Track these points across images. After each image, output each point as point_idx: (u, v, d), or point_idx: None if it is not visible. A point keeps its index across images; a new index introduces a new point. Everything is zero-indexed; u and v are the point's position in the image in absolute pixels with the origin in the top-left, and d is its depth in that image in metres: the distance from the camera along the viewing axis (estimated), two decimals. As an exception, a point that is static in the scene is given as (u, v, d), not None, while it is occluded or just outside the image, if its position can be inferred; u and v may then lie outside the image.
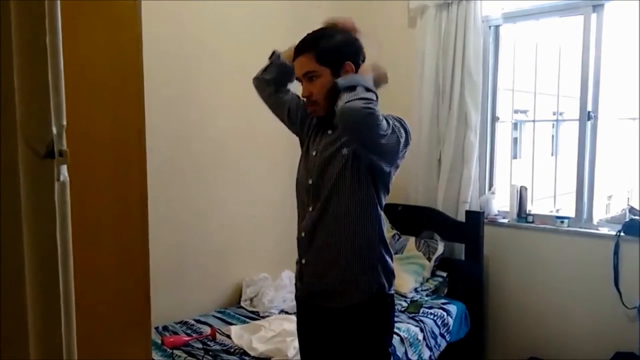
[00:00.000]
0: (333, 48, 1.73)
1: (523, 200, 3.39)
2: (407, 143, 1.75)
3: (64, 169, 0.60)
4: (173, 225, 2.84)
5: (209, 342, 2.55)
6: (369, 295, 1.74)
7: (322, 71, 1.72)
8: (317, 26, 1.83)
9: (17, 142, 0.54)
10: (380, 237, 1.78)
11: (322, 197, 1.75)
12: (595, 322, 3.08)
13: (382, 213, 1.81)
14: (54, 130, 0.57)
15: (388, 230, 3.53)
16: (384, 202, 1.82)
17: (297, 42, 1.80)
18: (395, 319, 2.69)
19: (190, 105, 2.94)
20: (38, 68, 0.57)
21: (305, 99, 1.79)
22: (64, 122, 0.60)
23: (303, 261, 1.84)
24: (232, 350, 2.47)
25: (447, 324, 2.99)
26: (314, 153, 1.81)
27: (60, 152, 0.58)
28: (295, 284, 1.93)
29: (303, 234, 1.83)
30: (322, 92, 1.72)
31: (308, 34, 1.78)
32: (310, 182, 1.79)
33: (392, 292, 1.83)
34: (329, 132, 1.80)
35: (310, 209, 1.79)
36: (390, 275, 1.81)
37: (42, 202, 0.57)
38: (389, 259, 1.81)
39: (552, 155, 6.63)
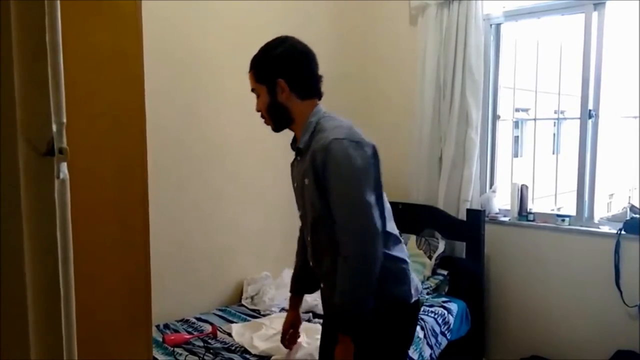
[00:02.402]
0: (266, 66, 1.72)
1: (524, 198, 3.39)
2: (370, 169, 1.66)
3: (64, 166, 0.60)
4: (174, 224, 2.85)
5: (210, 340, 2.55)
6: (388, 307, 1.72)
7: (260, 89, 1.73)
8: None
9: (17, 139, 0.54)
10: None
11: (311, 226, 1.75)
12: (596, 321, 3.07)
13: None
14: (54, 127, 0.58)
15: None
16: None
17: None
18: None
19: (192, 105, 2.94)
20: (38, 66, 0.57)
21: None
22: (64, 120, 0.60)
23: (322, 285, 1.87)
24: (233, 348, 2.48)
25: (448, 322, 2.99)
26: (295, 185, 1.83)
27: (61, 149, 0.58)
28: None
29: (312, 263, 1.85)
30: (264, 108, 1.74)
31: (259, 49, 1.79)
32: (300, 212, 1.82)
33: (413, 300, 1.77)
34: (298, 158, 1.79)
35: (309, 238, 1.80)
36: (401, 284, 1.74)
37: (42, 200, 0.57)
38: (398, 267, 1.75)
39: (553, 153, 6.62)
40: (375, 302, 1.66)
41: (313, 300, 2.81)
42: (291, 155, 1.86)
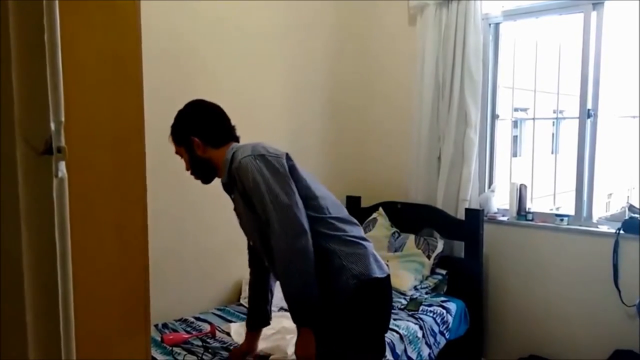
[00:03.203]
0: (178, 130, 1.96)
1: (523, 198, 3.39)
2: (280, 174, 1.82)
3: (62, 165, 0.60)
4: (173, 223, 2.85)
5: (208, 340, 2.55)
6: (352, 288, 1.84)
7: (181, 150, 1.96)
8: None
9: (16, 138, 0.54)
10: (324, 245, 1.85)
11: (265, 250, 1.92)
12: (594, 320, 3.08)
13: (307, 220, 1.84)
14: (52, 126, 0.57)
15: (387, 228, 3.54)
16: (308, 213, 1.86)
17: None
18: (395, 316, 2.70)
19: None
20: (36, 65, 0.57)
21: None
22: (62, 119, 0.60)
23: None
24: (232, 347, 2.47)
25: (447, 321, 2.99)
26: (239, 220, 2.04)
27: (59, 148, 0.58)
28: None
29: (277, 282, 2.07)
30: (189, 166, 1.97)
31: None
32: (251, 243, 2.09)
33: (379, 275, 1.90)
34: (232, 196, 1.99)
35: (270, 264, 1.98)
36: (362, 261, 1.87)
37: (40, 199, 0.57)
38: (356, 247, 1.89)
39: (552, 153, 6.63)
40: (347, 283, 1.83)
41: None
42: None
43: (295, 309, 1.79)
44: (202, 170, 1.97)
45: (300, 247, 1.74)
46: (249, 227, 1.97)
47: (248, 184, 1.80)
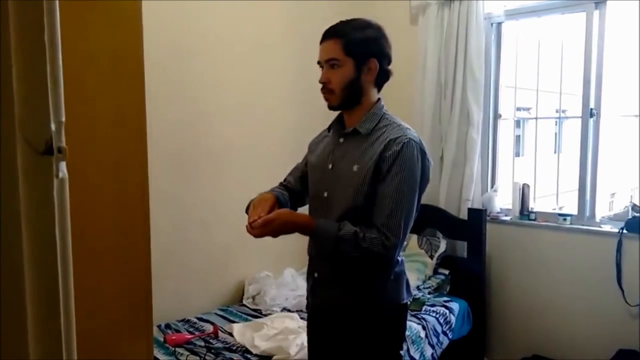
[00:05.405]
0: (362, 41, 1.66)
1: (525, 197, 3.39)
2: (426, 176, 1.68)
3: (63, 165, 0.60)
4: (175, 223, 2.85)
5: (211, 340, 2.55)
6: (383, 307, 1.71)
7: (346, 61, 1.65)
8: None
9: (16, 138, 0.54)
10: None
11: (338, 211, 1.67)
12: (597, 320, 3.07)
13: None
14: (53, 126, 0.57)
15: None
16: None
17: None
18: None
19: (193, 102, 2.93)
20: (36, 64, 0.57)
21: (322, 85, 1.70)
22: (63, 119, 0.59)
23: (316, 275, 1.80)
24: (235, 348, 2.48)
25: (450, 321, 2.99)
26: (329, 166, 1.73)
27: (59, 148, 0.58)
28: (307, 298, 1.90)
29: (314, 252, 1.80)
30: (340, 82, 1.65)
31: (340, 21, 1.74)
32: (325, 195, 1.73)
33: (408, 300, 1.79)
34: (341, 140, 1.74)
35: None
36: (404, 283, 1.76)
37: (41, 199, 0.56)
38: (399, 270, 1.76)
39: (554, 152, 6.60)
40: (381, 300, 1.69)
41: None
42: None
43: (332, 239, 1.60)
44: (351, 95, 1.67)
45: (384, 258, 1.62)
46: (346, 191, 1.65)
47: (402, 167, 1.58)
